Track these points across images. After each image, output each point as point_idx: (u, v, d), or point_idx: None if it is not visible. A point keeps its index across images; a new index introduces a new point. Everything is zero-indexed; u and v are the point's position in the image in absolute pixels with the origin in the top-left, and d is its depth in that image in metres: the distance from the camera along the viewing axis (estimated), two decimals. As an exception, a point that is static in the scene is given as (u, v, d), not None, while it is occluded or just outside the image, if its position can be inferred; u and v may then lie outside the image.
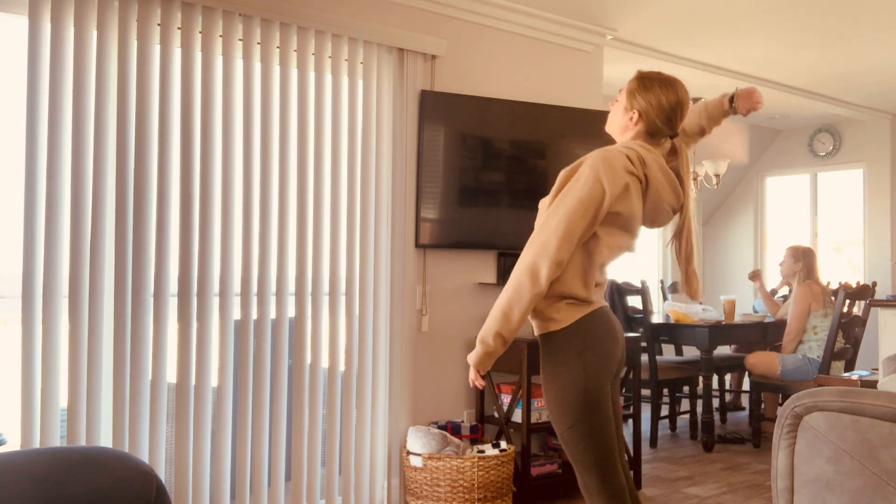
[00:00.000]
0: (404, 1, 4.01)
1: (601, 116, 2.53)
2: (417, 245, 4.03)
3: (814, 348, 5.26)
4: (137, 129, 3.23)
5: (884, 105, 7.08)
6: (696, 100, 6.60)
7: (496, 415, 4.20)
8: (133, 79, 3.23)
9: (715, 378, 5.95)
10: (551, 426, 4.05)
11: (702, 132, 2.63)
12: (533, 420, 4.01)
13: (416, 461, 3.74)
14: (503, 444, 3.88)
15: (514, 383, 4.12)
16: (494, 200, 4.24)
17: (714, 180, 6.49)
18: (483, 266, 4.32)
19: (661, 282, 7.15)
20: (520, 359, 3.96)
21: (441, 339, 4.17)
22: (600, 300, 2.35)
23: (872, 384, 2.90)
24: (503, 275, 4.35)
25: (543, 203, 2.31)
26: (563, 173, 2.28)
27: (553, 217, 2.18)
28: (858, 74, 6.00)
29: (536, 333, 2.33)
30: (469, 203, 4.18)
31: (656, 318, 5.88)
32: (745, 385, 6.59)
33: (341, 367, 3.82)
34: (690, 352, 6.21)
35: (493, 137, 4.25)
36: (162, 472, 3.24)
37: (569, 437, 2.25)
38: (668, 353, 6.37)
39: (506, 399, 4.14)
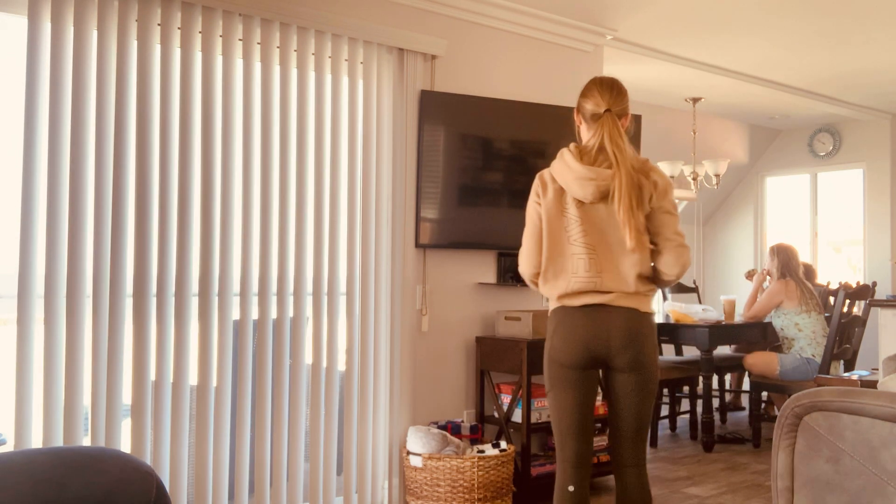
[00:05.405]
0: (404, 1, 4.01)
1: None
2: (417, 245, 4.03)
3: (805, 347, 5.26)
4: (138, 129, 3.23)
5: (884, 105, 7.08)
6: (696, 100, 6.63)
7: (496, 415, 4.20)
8: (133, 79, 3.23)
9: (715, 378, 5.94)
10: (551, 426, 4.06)
11: None
12: (533, 420, 4.01)
13: (416, 461, 3.74)
14: (503, 444, 3.88)
15: (514, 383, 4.12)
16: (494, 200, 4.24)
17: (714, 180, 6.48)
18: (483, 266, 4.32)
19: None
20: (520, 359, 3.96)
21: (441, 339, 4.17)
22: None
23: (872, 384, 2.90)
24: (503, 275, 4.35)
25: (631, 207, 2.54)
26: (660, 180, 2.60)
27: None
28: (858, 74, 5.99)
29: (643, 310, 2.58)
30: (469, 203, 4.18)
31: (656, 318, 5.88)
32: (745, 385, 6.59)
33: (341, 367, 3.82)
34: (690, 352, 6.21)
35: (493, 137, 4.25)
36: (164, 473, 3.23)
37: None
38: (668, 353, 6.36)
39: (506, 399, 4.14)
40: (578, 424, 2.61)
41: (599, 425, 4.25)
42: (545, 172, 2.67)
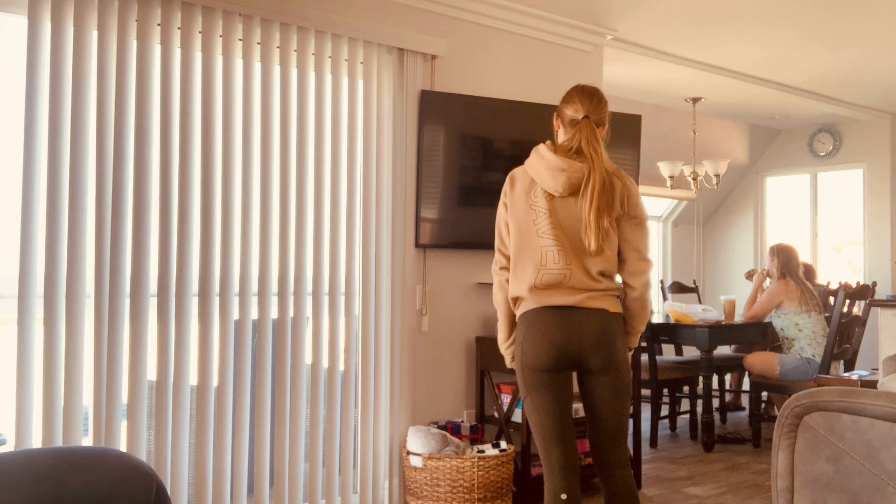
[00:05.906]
0: (404, 1, 4.01)
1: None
2: (417, 245, 4.03)
3: (805, 347, 5.26)
4: (137, 130, 3.23)
5: (884, 105, 7.08)
6: (696, 100, 6.63)
7: (496, 415, 4.20)
8: (133, 79, 3.23)
9: (715, 378, 5.94)
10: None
11: None
12: (533, 420, 4.00)
13: (416, 461, 3.74)
14: (503, 444, 3.88)
15: (514, 383, 4.12)
16: (494, 200, 4.20)
17: (714, 180, 6.48)
18: (483, 266, 4.32)
19: (661, 282, 7.15)
20: (520, 359, 3.95)
21: (441, 339, 4.17)
22: None
23: (872, 384, 2.90)
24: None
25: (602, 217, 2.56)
26: (633, 189, 2.63)
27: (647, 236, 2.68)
28: (858, 74, 6.00)
29: (612, 310, 2.58)
30: (469, 203, 4.18)
31: (656, 318, 5.88)
32: (745, 385, 6.59)
33: (341, 367, 3.82)
34: (690, 352, 6.21)
35: (493, 137, 4.25)
36: (164, 473, 3.23)
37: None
38: (668, 353, 6.37)
39: (506, 399, 4.14)
40: (559, 427, 2.59)
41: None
42: (516, 169, 2.72)
